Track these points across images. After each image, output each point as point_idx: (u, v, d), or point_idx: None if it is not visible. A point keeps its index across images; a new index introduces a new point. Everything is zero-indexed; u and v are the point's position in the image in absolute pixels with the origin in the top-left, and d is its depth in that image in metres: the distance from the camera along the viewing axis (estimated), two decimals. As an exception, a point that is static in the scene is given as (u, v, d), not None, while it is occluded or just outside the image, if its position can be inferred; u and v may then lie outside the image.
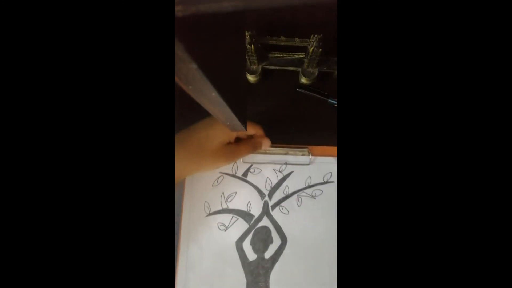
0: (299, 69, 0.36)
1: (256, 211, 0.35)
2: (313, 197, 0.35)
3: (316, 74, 0.36)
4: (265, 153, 0.36)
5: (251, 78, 0.36)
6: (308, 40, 0.33)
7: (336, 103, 0.37)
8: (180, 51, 0.09)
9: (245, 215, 0.35)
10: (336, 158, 0.37)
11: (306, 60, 0.35)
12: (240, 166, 0.36)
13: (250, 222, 0.35)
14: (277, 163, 0.36)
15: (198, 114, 0.28)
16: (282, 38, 0.33)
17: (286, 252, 0.34)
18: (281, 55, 0.36)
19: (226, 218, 0.35)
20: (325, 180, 0.36)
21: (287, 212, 0.35)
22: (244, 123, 0.21)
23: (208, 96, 0.13)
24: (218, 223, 0.35)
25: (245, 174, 0.36)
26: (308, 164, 0.36)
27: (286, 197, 0.36)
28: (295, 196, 0.36)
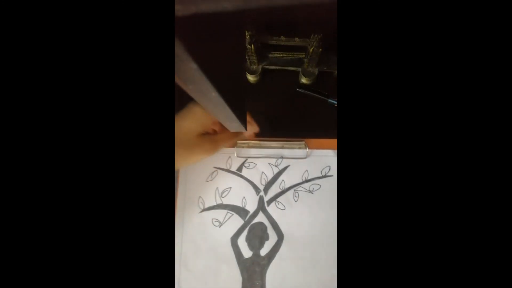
0: (299, 69, 0.36)
1: (251, 206, 0.34)
2: (311, 192, 0.34)
3: (316, 73, 0.35)
4: (260, 147, 0.35)
5: (251, 78, 0.36)
6: (308, 40, 0.32)
7: (336, 103, 0.36)
8: (180, 51, 0.09)
9: (240, 211, 0.34)
10: (334, 151, 0.35)
11: (306, 60, 0.34)
12: (234, 161, 0.35)
13: (245, 218, 0.34)
14: (273, 157, 0.35)
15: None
16: (282, 38, 0.33)
17: (283, 249, 0.33)
18: (281, 55, 0.35)
19: (220, 214, 0.34)
20: (323, 174, 0.35)
21: (283, 208, 0.34)
22: (244, 123, 0.21)
23: (208, 96, 0.13)
24: (212, 219, 0.34)
25: (240, 168, 0.35)
26: (305, 158, 0.35)
27: (282, 192, 0.34)
28: (291, 191, 0.34)
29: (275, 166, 0.35)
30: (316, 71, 0.35)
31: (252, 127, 0.31)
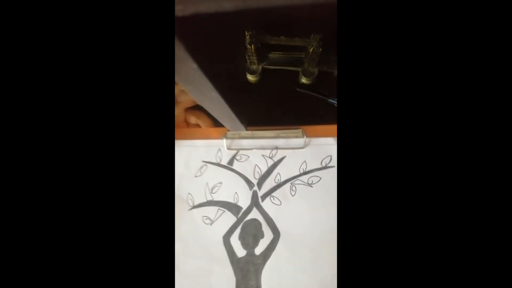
0: (299, 69, 0.36)
1: (244, 202, 0.31)
2: (309, 185, 0.31)
3: (316, 73, 0.35)
4: (252, 137, 0.32)
5: (251, 78, 0.35)
6: (308, 40, 0.32)
7: (336, 102, 0.35)
8: (180, 51, 0.09)
9: (232, 207, 0.31)
10: (335, 138, 0.31)
11: (306, 60, 0.34)
12: (224, 154, 0.32)
13: (238, 214, 0.31)
14: (267, 148, 0.32)
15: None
16: (282, 37, 0.33)
17: (279, 247, 0.30)
18: (281, 55, 0.35)
19: (211, 211, 0.31)
20: (324, 165, 0.31)
21: (279, 203, 0.31)
22: (244, 123, 0.21)
23: (208, 96, 0.13)
24: (203, 216, 0.31)
25: (231, 162, 0.32)
26: (302, 148, 0.31)
27: (278, 186, 0.31)
28: (288, 184, 0.31)
29: (270, 158, 0.32)
30: (316, 71, 0.35)
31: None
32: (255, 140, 0.32)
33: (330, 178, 0.31)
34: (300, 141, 0.32)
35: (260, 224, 0.31)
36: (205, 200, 0.32)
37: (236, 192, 0.32)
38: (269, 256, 0.30)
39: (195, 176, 0.32)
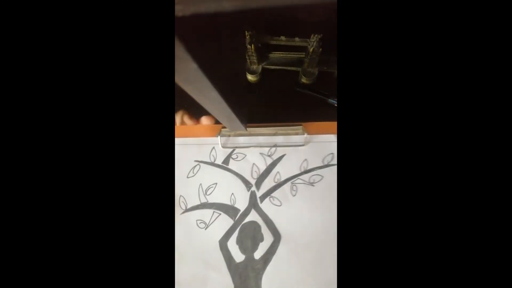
0: (299, 69, 0.36)
1: (241, 204, 0.29)
2: (311, 184, 0.29)
3: (316, 74, 0.35)
4: (250, 134, 0.29)
5: (251, 78, 0.36)
6: (308, 40, 0.32)
7: (336, 102, 0.35)
8: (180, 51, 0.09)
9: (229, 210, 0.29)
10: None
11: (306, 60, 0.34)
12: (219, 152, 0.30)
13: (235, 217, 0.29)
14: (265, 146, 0.30)
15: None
16: (282, 38, 0.33)
17: (280, 250, 0.28)
18: (281, 55, 0.35)
19: (206, 214, 0.29)
20: (326, 163, 0.30)
21: (279, 204, 0.29)
22: (244, 123, 0.20)
23: (208, 96, 0.13)
24: (197, 220, 0.29)
25: (226, 161, 0.30)
26: (303, 145, 0.30)
27: (278, 185, 0.29)
28: (288, 184, 0.29)
29: (268, 156, 0.30)
30: (316, 71, 0.35)
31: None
32: (253, 138, 0.30)
33: (332, 177, 0.29)
34: (300, 138, 0.30)
35: (259, 226, 0.29)
36: (199, 203, 0.29)
37: (232, 193, 0.29)
38: (269, 260, 0.28)
39: (188, 177, 0.30)
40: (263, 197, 0.29)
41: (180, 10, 0.07)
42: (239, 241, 0.29)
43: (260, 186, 0.29)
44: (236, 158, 0.30)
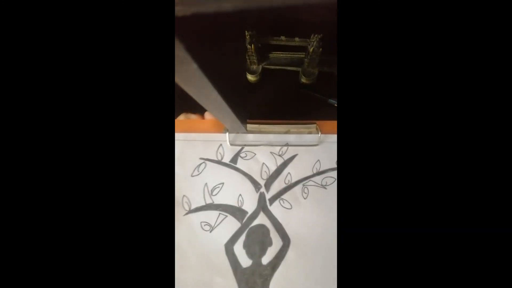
0: (299, 69, 0.35)
1: (249, 206, 0.27)
2: (323, 186, 0.28)
3: (316, 74, 0.35)
4: (260, 131, 0.27)
5: (251, 78, 0.35)
6: (308, 40, 0.32)
7: (336, 102, 0.35)
8: (180, 51, 0.09)
9: (236, 212, 0.27)
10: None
11: (306, 60, 0.34)
12: (227, 150, 0.28)
13: (243, 220, 0.27)
14: (276, 145, 0.28)
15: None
16: (282, 38, 0.33)
17: (289, 255, 0.27)
18: (281, 55, 0.35)
19: (211, 215, 0.27)
20: (338, 164, 0.28)
21: (289, 207, 0.27)
22: (244, 123, 0.20)
23: (208, 96, 0.13)
24: (201, 222, 0.27)
25: (234, 160, 0.28)
26: (316, 145, 0.28)
27: (288, 187, 0.28)
28: (299, 186, 0.28)
29: (279, 155, 0.28)
30: (316, 71, 0.35)
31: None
32: (263, 135, 0.28)
33: (346, 179, 0.28)
34: (313, 137, 0.28)
35: (267, 230, 0.27)
36: (204, 204, 0.28)
37: (240, 194, 0.28)
38: (278, 266, 0.27)
39: (192, 176, 0.28)
40: (272, 199, 0.28)
41: (180, 10, 0.07)
42: (246, 245, 0.27)
43: (269, 188, 0.28)
44: (245, 157, 0.28)
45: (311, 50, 0.32)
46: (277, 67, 0.36)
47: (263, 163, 0.28)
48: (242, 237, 0.27)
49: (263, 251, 0.27)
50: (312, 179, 0.28)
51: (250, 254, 0.27)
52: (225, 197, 0.28)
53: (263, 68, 0.36)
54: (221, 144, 0.28)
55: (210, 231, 0.27)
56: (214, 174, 0.28)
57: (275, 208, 0.27)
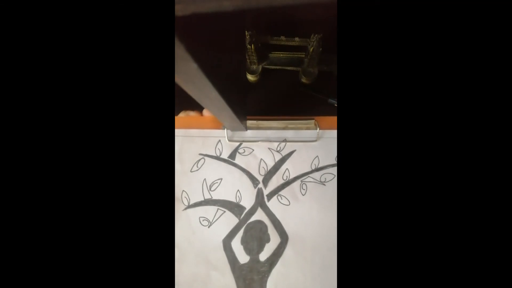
0: (299, 68, 0.35)
1: (247, 201, 0.28)
2: (322, 183, 0.27)
3: (316, 73, 0.35)
4: (258, 127, 0.28)
5: (251, 77, 0.36)
6: (308, 40, 0.32)
7: (336, 102, 0.35)
8: (180, 51, 0.09)
9: (234, 207, 0.27)
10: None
11: (306, 60, 0.34)
12: (225, 146, 0.28)
13: (241, 215, 0.27)
14: (274, 141, 0.28)
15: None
16: (282, 37, 0.33)
17: (287, 252, 0.27)
18: (281, 55, 0.35)
19: (210, 211, 0.28)
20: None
21: (287, 203, 0.27)
22: (244, 122, 0.20)
23: (208, 96, 0.13)
24: (200, 217, 0.27)
25: (232, 155, 0.28)
26: (315, 141, 0.28)
27: (287, 183, 0.28)
28: (298, 182, 0.28)
29: (277, 151, 0.28)
30: (316, 71, 0.35)
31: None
32: (261, 131, 0.28)
33: (345, 176, 0.27)
34: (312, 133, 0.28)
35: (265, 226, 0.27)
36: (202, 199, 0.28)
37: (238, 190, 0.28)
38: (275, 263, 0.27)
39: (191, 171, 0.28)
40: (270, 195, 0.28)
41: (180, 9, 0.07)
42: (244, 241, 0.27)
43: (267, 184, 0.28)
44: (243, 152, 0.28)
45: (311, 50, 0.32)
46: (277, 67, 0.36)
47: (261, 159, 0.28)
48: (240, 233, 0.27)
49: (261, 248, 0.27)
50: (311, 175, 0.28)
51: (247, 250, 0.27)
52: (224, 193, 0.28)
53: (263, 68, 0.36)
54: (219, 140, 0.28)
55: (209, 226, 0.27)
56: (213, 170, 0.28)
57: (273, 204, 0.27)
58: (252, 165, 0.28)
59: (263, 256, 0.27)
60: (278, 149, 0.28)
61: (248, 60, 0.34)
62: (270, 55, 0.36)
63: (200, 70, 0.10)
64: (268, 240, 0.27)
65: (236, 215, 0.27)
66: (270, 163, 0.28)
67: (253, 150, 0.28)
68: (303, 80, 0.36)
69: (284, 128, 0.28)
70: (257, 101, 0.36)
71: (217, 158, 0.28)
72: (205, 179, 0.28)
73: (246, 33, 0.31)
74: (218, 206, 0.28)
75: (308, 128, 0.28)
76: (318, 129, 0.27)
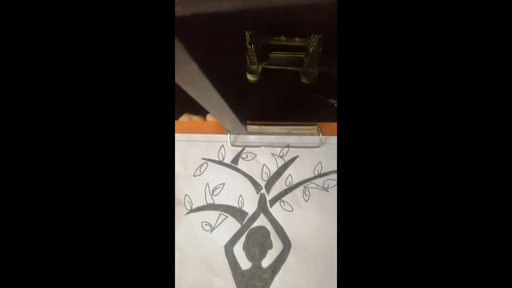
0: (300, 69, 0.35)
1: (250, 207, 0.27)
2: (325, 189, 0.27)
3: (316, 74, 0.35)
4: (261, 133, 0.28)
5: (251, 78, 0.35)
6: (308, 40, 0.32)
7: (336, 103, 0.35)
8: (180, 51, 0.09)
9: (236, 213, 0.27)
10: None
11: (306, 60, 0.34)
12: (228, 151, 0.28)
13: (243, 221, 0.27)
14: (277, 146, 0.28)
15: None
16: (283, 38, 0.33)
17: (290, 259, 0.26)
18: (281, 55, 0.35)
19: (212, 216, 0.27)
20: (341, 166, 0.27)
21: (290, 209, 0.27)
22: (244, 123, 0.20)
23: (208, 97, 0.13)
24: (202, 222, 0.27)
25: (235, 160, 0.28)
26: (318, 147, 0.28)
27: (289, 189, 0.27)
28: (300, 188, 0.27)
29: (280, 157, 0.28)
30: (316, 71, 0.35)
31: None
32: (264, 136, 0.28)
33: (348, 182, 0.27)
34: (315, 139, 0.28)
35: (268, 232, 0.27)
36: (205, 203, 0.28)
37: (241, 195, 0.28)
38: (278, 270, 0.26)
39: (194, 176, 0.28)
40: (273, 201, 0.27)
41: (180, 10, 0.07)
42: (246, 247, 0.27)
43: (270, 189, 0.28)
44: (246, 157, 0.28)
45: (311, 50, 0.32)
46: (277, 67, 0.36)
47: (264, 164, 0.28)
48: (242, 239, 0.27)
49: (263, 254, 0.27)
50: (314, 181, 0.27)
51: (249, 256, 0.27)
52: (226, 198, 0.28)
53: (263, 68, 0.35)
54: (222, 145, 0.28)
55: (211, 231, 0.27)
56: (216, 175, 0.28)
57: (276, 210, 0.27)
58: (254, 170, 0.28)
59: (266, 262, 0.26)
60: (281, 154, 0.28)
61: (248, 60, 0.34)
62: (270, 55, 0.35)
63: (200, 70, 0.10)
64: (270, 247, 0.27)
65: (238, 220, 0.27)
66: (273, 169, 0.28)
67: (256, 155, 0.28)
68: (303, 80, 0.36)
69: (287, 134, 0.28)
70: (257, 101, 0.36)
71: (220, 163, 0.28)
72: (207, 183, 0.28)
73: (246, 33, 0.30)
74: (221, 211, 0.28)
75: (311, 134, 0.28)
76: (321, 135, 0.27)
